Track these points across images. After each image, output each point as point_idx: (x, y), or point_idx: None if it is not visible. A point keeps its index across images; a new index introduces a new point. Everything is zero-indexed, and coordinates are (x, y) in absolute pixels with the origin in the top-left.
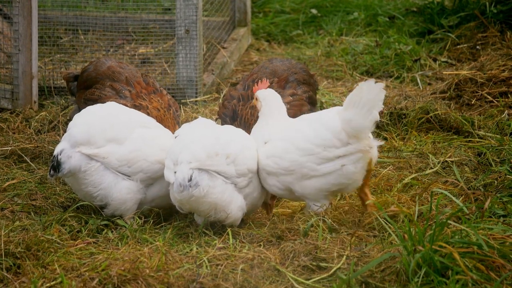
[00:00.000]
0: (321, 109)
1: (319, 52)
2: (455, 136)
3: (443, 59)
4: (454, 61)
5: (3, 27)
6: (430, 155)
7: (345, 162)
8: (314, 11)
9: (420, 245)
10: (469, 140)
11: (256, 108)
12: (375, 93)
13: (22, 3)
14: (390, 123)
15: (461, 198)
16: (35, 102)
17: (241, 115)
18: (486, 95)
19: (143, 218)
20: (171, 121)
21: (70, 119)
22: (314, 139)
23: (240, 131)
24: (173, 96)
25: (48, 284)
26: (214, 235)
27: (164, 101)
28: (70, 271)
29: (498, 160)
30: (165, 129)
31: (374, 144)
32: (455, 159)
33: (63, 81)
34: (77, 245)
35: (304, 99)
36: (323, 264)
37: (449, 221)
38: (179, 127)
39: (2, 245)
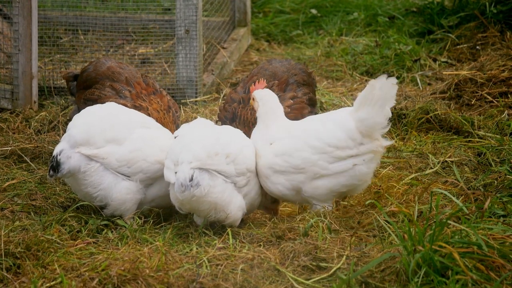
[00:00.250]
0: (321, 109)
1: (319, 52)
2: (455, 136)
3: (443, 59)
4: (454, 61)
5: (3, 27)
6: (430, 155)
7: (357, 162)
8: (314, 11)
9: (420, 245)
10: (469, 140)
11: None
12: (388, 89)
13: (22, 3)
14: (390, 123)
15: (461, 198)
16: (35, 102)
17: (240, 115)
18: (486, 95)
19: (143, 218)
20: (170, 123)
21: (70, 119)
22: (327, 138)
23: (238, 131)
24: (173, 96)
25: (48, 284)
26: (214, 235)
27: (163, 102)
28: (70, 271)
29: (498, 160)
30: (164, 129)
31: (385, 144)
32: (455, 159)
33: (63, 81)
34: (77, 245)
35: (305, 101)
36: (323, 264)
37: (449, 221)
38: (178, 128)
39: (2, 245)
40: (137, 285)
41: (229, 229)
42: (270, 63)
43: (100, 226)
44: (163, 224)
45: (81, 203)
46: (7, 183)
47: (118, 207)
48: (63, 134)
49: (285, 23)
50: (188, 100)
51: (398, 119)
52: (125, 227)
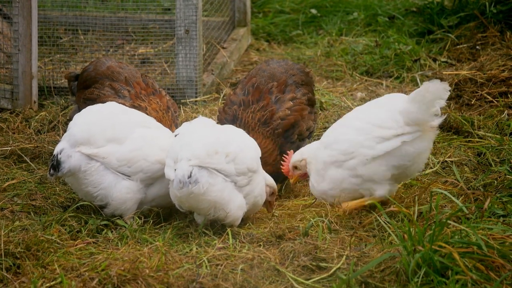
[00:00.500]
0: (320, 109)
1: (319, 52)
2: (454, 136)
3: (443, 59)
4: (454, 61)
5: (3, 27)
6: (430, 155)
7: (405, 139)
8: (314, 11)
9: (420, 245)
10: (469, 140)
11: (257, 113)
12: (439, 93)
13: (22, 3)
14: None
15: (460, 198)
16: (35, 102)
17: (241, 117)
18: (486, 95)
19: (142, 218)
20: (169, 123)
21: (70, 119)
22: (369, 118)
23: (240, 131)
24: (172, 97)
25: (48, 284)
26: (214, 235)
27: (163, 102)
28: (70, 271)
29: (498, 160)
30: (165, 129)
31: (434, 123)
32: (455, 159)
33: (63, 81)
34: (77, 245)
35: (304, 102)
36: (323, 264)
37: (448, 221)
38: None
39: (2, 245)
40: (137, 285)
41: (229, 229)
42: (268, 64)
43: (100, 226)
44: (163, 224)
45: (81, 203)
46: (7, 183)
47: (118, 207)
48: (63, 134)
49: (285, 23)
50: (188, 100)
51: None
52: (125, 227)
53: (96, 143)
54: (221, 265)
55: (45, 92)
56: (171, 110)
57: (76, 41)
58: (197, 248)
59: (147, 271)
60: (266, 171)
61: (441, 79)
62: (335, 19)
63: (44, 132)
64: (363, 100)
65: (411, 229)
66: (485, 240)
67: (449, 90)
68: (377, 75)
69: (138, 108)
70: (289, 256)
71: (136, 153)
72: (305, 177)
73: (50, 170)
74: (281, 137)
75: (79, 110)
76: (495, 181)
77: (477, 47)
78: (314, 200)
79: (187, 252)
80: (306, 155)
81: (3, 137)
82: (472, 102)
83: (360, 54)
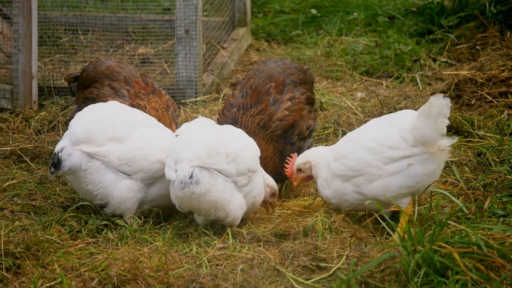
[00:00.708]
0: (321, 109)
1: (318, 52)
2: (454, 136)
3: (442, 59)
4: (454, 61)
5: (3, 27)
6: None
7: (411, 162)
8: (313, 11)
9: (420, 245)
10: (469, 140)
11: (256, 117)
12: (442, 107)
13: (22, 3)
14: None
15: (460, 198)
16: (34, 102)
17: (241, 121)
18: (485, 95)
19: (142, 218)
20: (169, 122)
21: (70, 119)
22: (380, 139)
23: (240, 131)
24: (172, 96)
25: (48, 284)
26: (214, 235)
27: (162, 101)
28: (70, 271)
29: (498, 160)
30: (165, 129)
31: (444, 145)
32: (455, 159)
33: (63, 81)
34: (77, 245)
35: (303, 101)
36: (323, 264)
37: (448, 221)
38: (177, 127)
39: (2, 245)
40: (137, 285)
41: (229, 229)
42: (266, 64)
43: (100, 226)
44: (163, 224)
45: (81, 203)
46: (7, 183)
47: (118, 206)
48: (63, 134)
49: (285, 23)
50: (188, 100)
51: None
52: (125, 227)
53: (97, 142)
54: (221, 265)
55: (45, 92)
56: (170, 109)
57: (76, 41)
58: (197, 248)
59: (147, 271)
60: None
61: (441, 79)
62: (335, 19)
63: (44, 132)
64: (363, 100)
65: (411, 229)
66: (485, 240)
67: (450, 107)
68: (377, 75)
69: (138, 107)
70: (289, 256)
71: (137, 153)
72: (308, 179)
73: (50, 168)
74: (280, 139)
75: (79, 110)
76: (495, 181)
77: (477, 47)
78: (313, 201)
79: (187, 252)
80: (311, 158)
81: (3, 137)
82: (472, 102)
83: (360, 54)
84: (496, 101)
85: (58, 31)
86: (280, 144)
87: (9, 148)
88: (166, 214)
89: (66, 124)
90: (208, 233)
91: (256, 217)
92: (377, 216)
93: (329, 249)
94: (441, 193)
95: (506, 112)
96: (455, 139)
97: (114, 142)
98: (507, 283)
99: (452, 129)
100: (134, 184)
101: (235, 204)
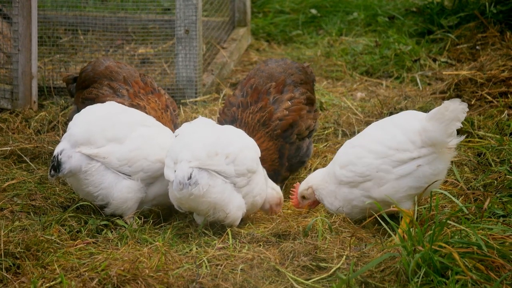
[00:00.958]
0: (321, 109)
1: (318, 52)
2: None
3: (442, 59)
4: (454, 61)
5: (3, 27)
6: None
7: (420, 163)
8: (313, 11)
9: (420, 245)
10: (469, 140)
11: (256, 114)
12: (458, 112)
13: (22, 3)
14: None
15: (460, 198)
16: (34, 102)
17: (241, 118)
18: (485, 95)
19: (142, 218)
20: (168, 122)
21: (70, 120)
22: (387, 141)
23: (240, 131)
24: (172, 96)
25: (47, 284)
26: (213, 235)
27: (161, 101)
28: (69, 271)
29: (498, 160)
30: (165, 128)
31: (451, 144)
32: (455, 159)
33: (62, 81)
34: (76, 245)
35: (303, 101)
36: (322, 264)
37: (448, 221)
38: (177, 127)
39: (2, 245)
40: (137, 285)
41: (229, 229)
42: (267, 64)
43: (100, 226)
44: (162, 224)
45: (81, 203)
46: (7, 183)
47: (119, 206)
48: (62, 134)
49: (285, 23)
50: (187, 100)
51: None
52: (125, 227)
53: (96, 143)
54: (221, 265)
55: (45, 92)
56: (170, 109)
57: (76, 41)
58: (197, 248)
59: (147, 271)
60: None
61: (441, 79)
62: (335, 19)
63: (44, 132)
64: (363, 100)
65: (411, 229)
66: (485, 240)
67: (466, 112)
68: (377, 75)
69: (137, 107)
70: (289, 256)
71: (136, 153)
72: (314, 205)
73: (50, 171)
74: (280, 138)
75: (78, 110)
76: (495, 181)
77: (477, 47)
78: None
79: (187, 252)
80: (311, 182)
81: (3, 137)
82: (472, 102)
83: (360, 54)
84: (496, 101)
85: (58, 31)
86: (279, 142)
87: (9, 148)
88: (166, 214)
89: (66, 124)
90: (208, 233)
91: (256, 217)
92: (377, 217)
93: (329, 249)
94: (441, 193)
95: (506, 112)
96: (461, 137)
97: (113, 143)
98: (507, 283)
99: None
100: (135, 184)
101: (234, 205)
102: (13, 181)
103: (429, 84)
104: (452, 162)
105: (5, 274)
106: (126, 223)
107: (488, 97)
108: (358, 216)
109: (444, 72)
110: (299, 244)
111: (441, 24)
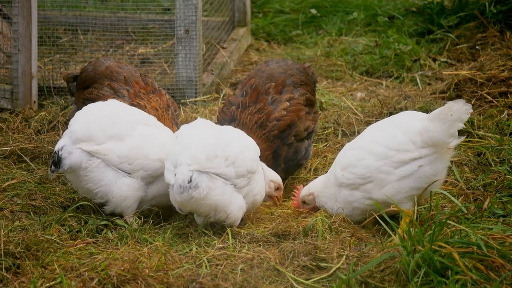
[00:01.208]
0: (321, 109)
1: (318, 52)
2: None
3: (442, 59)
4: (454, 61)
5: (3, 27)
6: None
7: (421, 163)
8: (313, 11)
9: (420, 245)
10: (469, 140)
11: (254, 115)
12: (462, 113)
13: (22, 3)
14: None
15: (460, 198)
16: (34, 102)
17: (240, 118)
18: (485, 95)
19: (142, 218)
20: (169, 121)
21: (70, 120)
22: (387, 142)
23: (239, 132)
24: (172, 96)
25: (47, 284)
26: (213, 235)
27: (162, 101)
28: (69, 271)
29: (497, 160)
30: (165, 127)
31: (451, 144)
32: (455, 159)
33: (62, 81)
34: (76, 245)
35: (302, 102)
36: (322, 264)
37: (448, 221)
38: (178, 127)
39: (2, 245)
40: (137, 285)
41: (229, 229)
42: (267, 65)
43: (100, 226)
44: (162, 224)
45: (81, 203)
46: (6, 183)
47: (119, 204)
48: (62, 134)
49: (284, 23)
50: (187, 100)
51: None
52: (125, 227)
53: (97, 140)
54: (221, 265)
55: (45, 92)
56: (171, 108)
57: (76, 41)
58: (197, 248)
59: (147, 271)
60: None
61: (441, 79)
62: (335, 19)
63: (44, 132)
64: (362, 100)
65: (411, 229)
66: (485, 240)
67: (470, 113)
68: (377, 75)
69: (137, 106)
70: (289, 256)
71: (136, 151)
72: (314, 210)
73: (51, 167)
74: (277, 139)
75: (78, 110)
76: (495, 181)
77: (477, 47)
78: None
79: (187, 252)
80: (313, 189)
81: (3, 137)
82: (472, 102)
83: (360, 54)
84: (496, 101)
85: (58, 31)
86: (275, 144)
87: (9, 148)
88: (166, 214)
89: (66, 124)
90: (208, 233)
91: (256, 217)
92: (377, 217)
93: (329, 249)
94: (441, 193)
95: (506, 112)
96: (462, 138)
97: (114, 140)
98: (507, 283)
99: None
100: (134, 182)
101: (235, 206)
102: (13, 181)
103: (429, 84)
104: (452, 162)
105: (5, 274)
106: (126, 223)
107: (488, 97)
108: (359, 217)
109: (444, 72)
110: (299, 244)
111: (441, 24)
